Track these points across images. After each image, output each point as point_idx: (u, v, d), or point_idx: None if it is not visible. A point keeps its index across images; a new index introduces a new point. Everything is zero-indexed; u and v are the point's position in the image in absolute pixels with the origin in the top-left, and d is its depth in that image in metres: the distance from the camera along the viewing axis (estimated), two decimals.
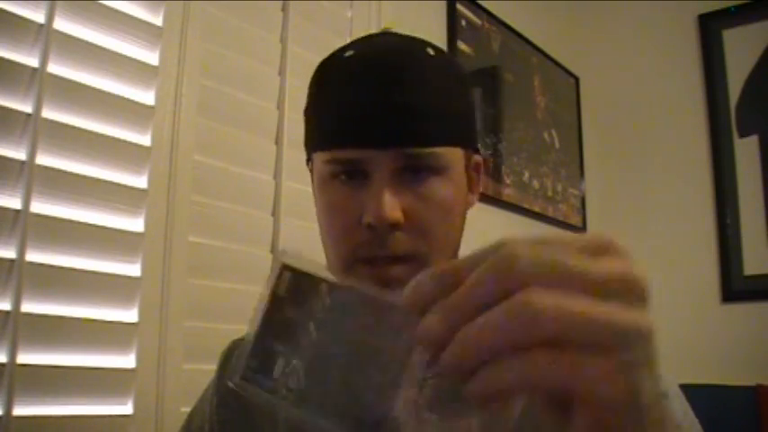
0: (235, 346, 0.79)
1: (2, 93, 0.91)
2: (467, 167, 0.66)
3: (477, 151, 0.69)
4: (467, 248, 0.71)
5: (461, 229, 0.66)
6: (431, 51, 0.63)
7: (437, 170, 0.60)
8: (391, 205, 0.57)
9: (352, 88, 0.60)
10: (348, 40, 0.73)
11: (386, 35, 0.68)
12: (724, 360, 1.97)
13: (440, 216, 0.61)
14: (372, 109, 0.58)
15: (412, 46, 0.63)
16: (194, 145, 1.15)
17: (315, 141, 0.64)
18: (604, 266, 0.30)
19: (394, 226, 0.58)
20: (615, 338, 0.29)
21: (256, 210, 1.26)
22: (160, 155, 1.09)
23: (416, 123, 0.59)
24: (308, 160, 0.67)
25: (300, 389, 0.35)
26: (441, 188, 0.61)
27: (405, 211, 0.59)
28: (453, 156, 0.62)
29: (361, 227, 0.59)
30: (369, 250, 0.59)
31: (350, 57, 0.62)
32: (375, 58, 0.60)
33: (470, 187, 0.68)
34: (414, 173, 0.60)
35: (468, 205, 0.67)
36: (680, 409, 0.58)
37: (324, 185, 0.63)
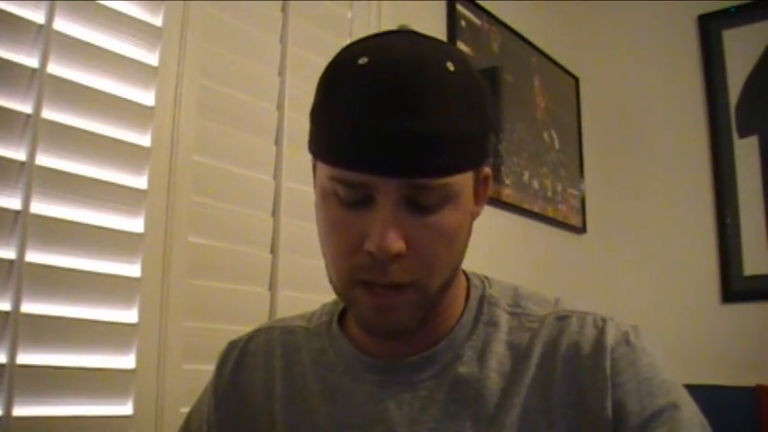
0: (232, 348, 0.78)
1: (2, 93, 0.91)
2: (476, 184, 0.64)
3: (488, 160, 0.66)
4: (468, 250, 0.71)
5: (465, 246, 0.64)
6: (450, 66, 0.58)
7: (446, 199, 0.58)
8: (394, 236, 0.56)
9: (365, 108, 0.56)
10: (348, 41, 0.72)
11: (404, 38, 0.61)
12: (724, 360, 1.97)
13: (444, 244, 0.59)
14: (385, 136, 0.55)
15: (431, 59, 0.57)
16: (194, 145, 1.15)
17: (320, 151, 0.61)
18: None
19: (396, 256, 0.57)
20: None
21: (256, 210, 1.26)
22: (160, 155, 1.09)
23: (430, 154, 0.55)
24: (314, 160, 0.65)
25: None
26: (448, 216, 0.59)
27: (408, 240, 0.57)
28: (464, 180, 0.60)
29: (363, 251, 0.57)
30: (368, 275, 0.58)
31: (363, 66, 0.57)
32: (391, 74, 0.56)
33: (477, 200, 0.65)
34: (422, 202, 0.57)
35: (473, 218, 0.65)
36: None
37: (326, 199, 0.61)
